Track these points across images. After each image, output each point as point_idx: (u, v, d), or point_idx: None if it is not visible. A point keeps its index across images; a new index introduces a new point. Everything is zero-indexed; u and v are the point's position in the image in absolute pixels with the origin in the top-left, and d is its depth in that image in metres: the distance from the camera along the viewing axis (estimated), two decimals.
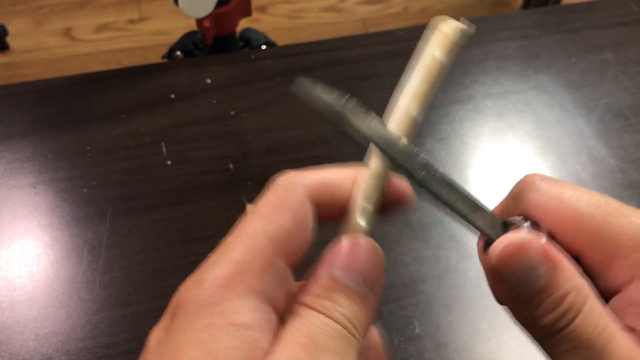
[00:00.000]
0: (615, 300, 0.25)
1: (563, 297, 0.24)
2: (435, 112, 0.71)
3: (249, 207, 0.61)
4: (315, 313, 0.23)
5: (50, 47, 1.89)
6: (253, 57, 0.78)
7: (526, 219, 0.27)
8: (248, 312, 0.22)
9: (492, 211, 0.27)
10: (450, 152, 0.66)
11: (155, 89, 0.73)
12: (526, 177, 0.28)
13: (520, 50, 0.79)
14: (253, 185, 0.63)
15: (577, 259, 0.26)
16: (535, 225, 0.27)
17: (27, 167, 0.64)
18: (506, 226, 0.27)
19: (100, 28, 1.94)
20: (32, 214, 0.60)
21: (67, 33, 1.92)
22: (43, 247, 0.58)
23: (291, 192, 0.26)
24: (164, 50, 1.41)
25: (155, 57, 1.74)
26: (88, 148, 0.66)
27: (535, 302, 0.24)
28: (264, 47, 1.33)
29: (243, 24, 1.08)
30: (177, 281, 0.23)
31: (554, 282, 0.24)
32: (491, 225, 0.27)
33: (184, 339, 0.22)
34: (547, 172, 0.64)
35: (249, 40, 1.34)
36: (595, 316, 0.24)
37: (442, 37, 0.27)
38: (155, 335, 0.23)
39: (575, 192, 0.26)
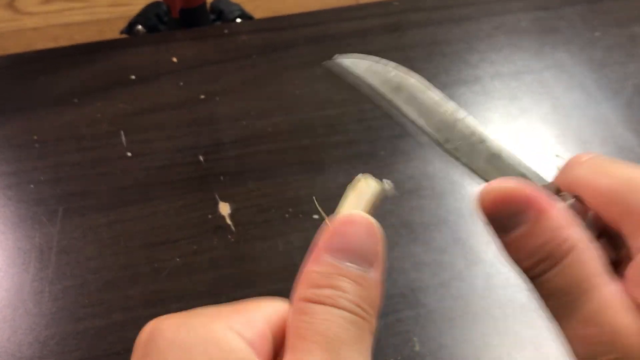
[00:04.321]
0: (629, 266, 0.27)
1: (541, 246, 0.26)
2: None
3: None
4: (321, 306, 0.24)
5: None
6: (226, 31, 0.78)
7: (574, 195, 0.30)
8: (234, 341, 0.24)
9: (549, 183, 0.31)
10: None
11: (113, 69, 0.73)
12: (577, 155, 0.30)
13: (535, 24, 0.79)
14: (226, 180, 0.62)
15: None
16: (580, 201, 0.29)
17: None
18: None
19: None
20: None
21: (10, 5, 1.91)
22: None
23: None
24: (123, 24, 1.40)
25: (113, 33, 1.73)
26: (35, 138, 0.66)
27: (515, 246, 0.27)
28: (238, 20, 1.33)
29: None
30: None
31: (535, 230, 0.26)
32: None
33: None
34: None
35: (222, 12, 1.34)
36: (576, 268, 0.26)
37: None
38: None
39: (617, 167, 0.28)
